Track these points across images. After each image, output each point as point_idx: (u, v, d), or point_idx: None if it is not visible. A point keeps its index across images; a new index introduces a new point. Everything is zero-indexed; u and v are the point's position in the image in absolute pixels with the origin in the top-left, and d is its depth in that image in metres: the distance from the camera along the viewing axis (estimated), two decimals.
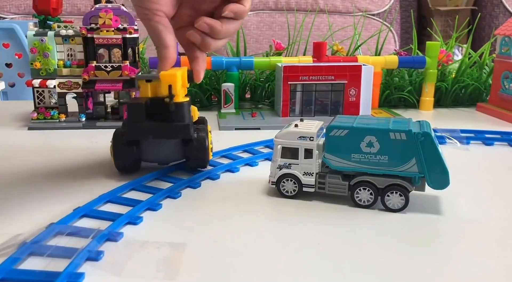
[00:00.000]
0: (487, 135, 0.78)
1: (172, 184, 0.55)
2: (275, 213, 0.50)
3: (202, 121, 0.64)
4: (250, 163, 0.63)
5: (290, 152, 0.51)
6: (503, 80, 0.95)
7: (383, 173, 0.48)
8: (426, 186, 0.49)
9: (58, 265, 0.37)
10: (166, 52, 0.50)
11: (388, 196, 0.48)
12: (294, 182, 0.51)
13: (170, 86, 0.51)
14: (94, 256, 0.39)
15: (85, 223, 0.46)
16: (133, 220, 0.46)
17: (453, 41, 1.10)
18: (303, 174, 0.51)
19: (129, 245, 0.41)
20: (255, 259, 0.40)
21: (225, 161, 0.64)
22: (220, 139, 0.71)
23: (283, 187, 0.52)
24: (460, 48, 1.38)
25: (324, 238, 0.43)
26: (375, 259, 0.40)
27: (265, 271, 0.38)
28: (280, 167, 0.51)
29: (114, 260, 0.39)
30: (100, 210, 0.48)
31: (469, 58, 1.06)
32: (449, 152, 0.67)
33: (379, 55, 1.10)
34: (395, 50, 1.09)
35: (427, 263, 0.39)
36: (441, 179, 0.47)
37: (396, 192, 0.48)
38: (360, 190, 0.49)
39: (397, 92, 1.02)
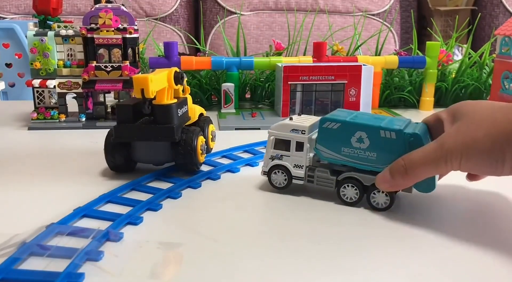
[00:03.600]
0: None
1: (172, 184, 0.55)
2: (275, 213, 0.50)
3: (203, 121, 0.64)
4: (250, 163, 0.63)
5: (282, 144, 0.52)
6: (503, 80, 0.95)
7: (370, 169, 0.48)
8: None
9: (58, 265, 0.37)
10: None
11: (374, 194, 0.49)
12: (284, 174, 0.52)
13: (142, 90, 0.51)
14: (94, 256, 0.39)
15: (85, 223, 0.46)
16: (133, 220, 0.46)
17: (453, 41, 1.10)
18: (294, 166, 0.51)
19: (129, 245, 0.41)
20: (255, 259, 0.40)
21: (226, 161, 0.64)
22: (220, 139, 0.71)
23: (273, 178, 0.53)
24: (460, 48, 1.38)
25: (325, 238, 0.43)
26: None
27: (265, 271, 0.38)
28: (272, 158, 0.52)
29: (114, 260, 0.39)
30: (100, 210, 0.48)
31: (469, 58, 1.06)
32: None
33: (379, 55, 1.10)
34: (395, 50, 1.09)
35: (427, 263, 0.39)
36: (427, 182, 0.47)
37: (382, 191, 0.48)
38: (346, 187, 0.49)
39: (397, 92, 1.02)
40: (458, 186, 0.55)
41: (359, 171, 0.49)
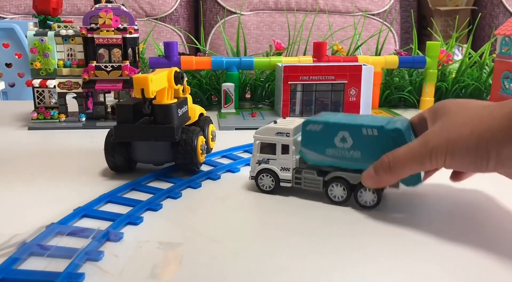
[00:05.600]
0: None
1: (172, 184, 0.55)
2: (276, 214, 0.49)
3: (203, 121, 0.64)
4: (250, 163, 0.63)
5: (268, 148, 0.52)
6: (503, 80, 0.95)
7: (356, 168, 0.49)
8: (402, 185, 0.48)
9: (58, 265, 0.37)
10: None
11: (361, 192, 0.49)
12: (270, 177, 0.52)
13: (142, 90, 0.51)
14: (94, 256, 0.39)
15: (85, 223, 0.46)
16: (133, 220, 0.46)
17: (453, 41, 1.10)
18: (281, 169, 0.52)
19: (129, 245, 0.41)
20: (255, 259, 0.40)
21: (226, 161, 0.64)
22: (220, 139, 0.71)
23: (261, 182, 0.53)
24: (460, 48, 1.38)
25: (327, 238, 0.43)
26: (381, 259, 0.40)
27: (265, 271, 0.38)
28: (259, 162, 0.52)
29: (114, 260, 0.39)
30: (100, 210, 0.48)
31: (469, 58, 1.06)
32: None
33: (379, 55, 1.10)
34: (395, 50, 1.09)
35: (424, 261, 0.39)
36: (412, 176, 0.46)
37: (369, 189, 0.48)
38: (334, 186, 0.49)
39: (397, 92, 1.02)
40: (444, 184, 0.55)
41: (345, 170, 0.49)
